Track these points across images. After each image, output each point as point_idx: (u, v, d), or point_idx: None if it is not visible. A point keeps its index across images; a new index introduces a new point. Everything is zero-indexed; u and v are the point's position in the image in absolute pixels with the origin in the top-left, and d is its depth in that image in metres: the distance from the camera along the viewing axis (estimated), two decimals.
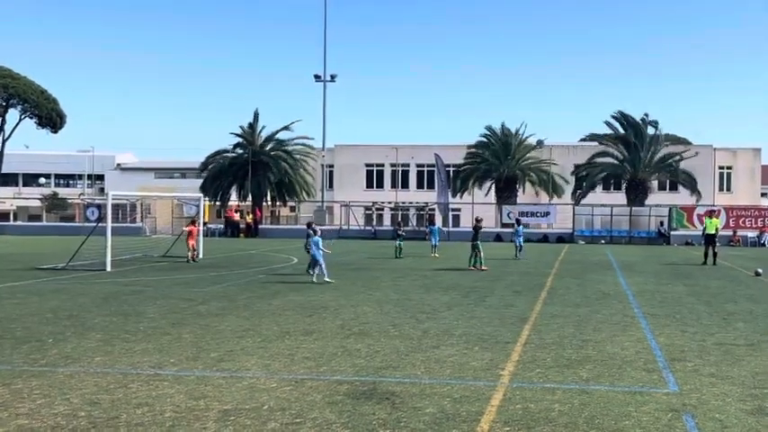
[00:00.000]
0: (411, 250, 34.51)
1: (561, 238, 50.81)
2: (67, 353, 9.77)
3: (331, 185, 75.35)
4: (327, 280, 19.50)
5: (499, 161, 61.04)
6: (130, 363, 9.18)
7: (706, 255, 28.64)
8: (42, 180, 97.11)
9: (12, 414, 6.88)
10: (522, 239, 32.66)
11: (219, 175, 61.21)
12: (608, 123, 61.03)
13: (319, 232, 21.06)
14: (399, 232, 32.98)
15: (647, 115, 59.49)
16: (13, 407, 7.13)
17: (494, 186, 62.45)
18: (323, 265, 19.84)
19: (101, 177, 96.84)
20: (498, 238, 50.69)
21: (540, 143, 64.45)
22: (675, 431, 6.64)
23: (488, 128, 63.01)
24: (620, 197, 60.94)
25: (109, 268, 22.68)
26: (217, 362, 9.28)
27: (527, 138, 62.94)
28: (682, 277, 22.72)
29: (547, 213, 54.01)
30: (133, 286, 18.42)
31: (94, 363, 9.18)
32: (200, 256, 28.16)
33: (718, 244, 29.29)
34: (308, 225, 23.73)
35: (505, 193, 60.82)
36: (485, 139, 63.02)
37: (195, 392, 7.72)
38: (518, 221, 34.76)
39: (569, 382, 8.42)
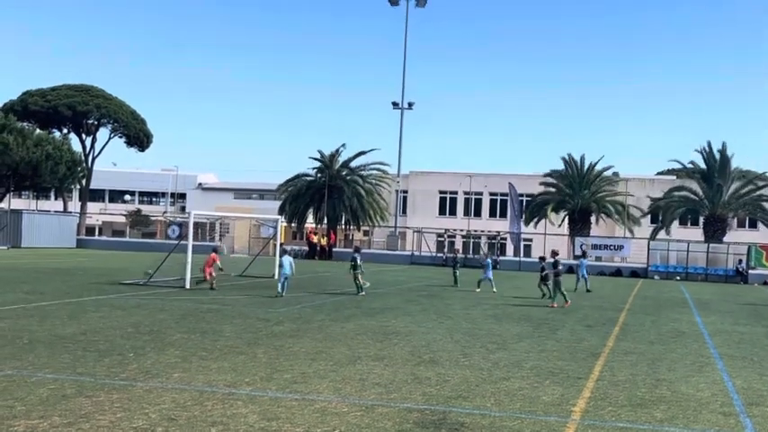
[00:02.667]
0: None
1: (635, 273, 49.64)
2: (147, 368, 10.00)
3: (404, 211, 75.52)
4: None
5: (574, 192, 60.10)
6: (207, 380, 9.33)
7: None
8: (127, 197, 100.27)
9: (93, 426, 7.07)
10: (585, 271, 32.09)
11: (297, 197, 62.02)
12: (687, 163, 59.55)
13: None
14: (457, 260, 32.28)
15: (724, 146, 57.71)
16: (95, 419, 7.32)
17: (567, 217, 61.51)
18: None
19: (183, 196, 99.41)
20: (571, 270, 49.79)
21: (616, 175, 63.30)
22: None
23: (564, 158, 62.13)
24: (696, 233, 59.30)
25: (188, 285, 23.16)
26: (290, 383, 9.36)
27: (604, 170, 61.84)
28: (760, 318, 21.90)
29: (621, 247, 52.84)
30: (211, 304, 18.76)
31: (172, 379, 9.36)
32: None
33: None
34: (356, 249, 24.37)
35: (579, 225, 59.82)
36: (560, 169, 62.19)
37: (268, 413, 7.79)
38: (583, 254, 34.22)
39: (642, 422, 8.19)
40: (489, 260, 29.72)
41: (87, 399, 8.10)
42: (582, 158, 61.56)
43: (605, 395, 9.50)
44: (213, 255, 24.73)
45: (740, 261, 48.73)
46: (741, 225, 66.19)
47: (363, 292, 23.26)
